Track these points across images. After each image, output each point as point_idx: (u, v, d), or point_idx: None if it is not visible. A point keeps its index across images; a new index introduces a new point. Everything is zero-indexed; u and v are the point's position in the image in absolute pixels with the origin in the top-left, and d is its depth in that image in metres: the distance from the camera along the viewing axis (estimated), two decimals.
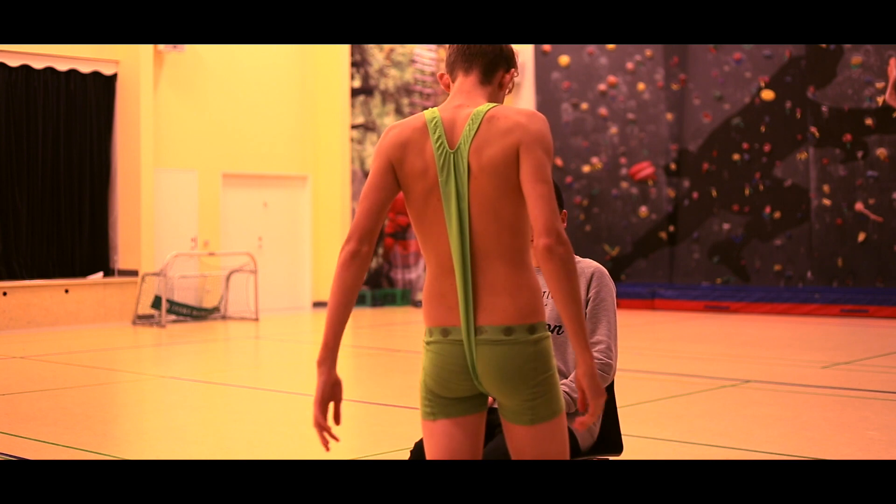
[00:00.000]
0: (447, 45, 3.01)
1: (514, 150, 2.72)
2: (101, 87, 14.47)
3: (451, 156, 2.79)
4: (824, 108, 15.78)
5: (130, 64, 14.47)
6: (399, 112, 17.65)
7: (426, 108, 17.33)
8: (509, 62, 2.95)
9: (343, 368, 11.53)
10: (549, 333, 2.85)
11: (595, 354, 3.59)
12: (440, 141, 2.80)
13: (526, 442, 2.79)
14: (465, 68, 2.91)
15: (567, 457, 2.86)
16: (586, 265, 3.74)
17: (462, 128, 2.80)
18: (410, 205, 2.86)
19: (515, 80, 3.02)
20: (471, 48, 2.92)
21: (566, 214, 3.75)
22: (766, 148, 16.14)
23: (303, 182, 16.90)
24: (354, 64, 16.96)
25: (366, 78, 17.15)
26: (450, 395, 2.84)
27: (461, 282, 2.78)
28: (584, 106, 17.80)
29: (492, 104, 2.83)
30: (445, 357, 2.80)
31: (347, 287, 2.80)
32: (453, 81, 2.93)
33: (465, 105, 2.85)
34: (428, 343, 2.85)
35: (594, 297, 3.67)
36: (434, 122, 2.83)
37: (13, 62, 13.65)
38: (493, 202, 2.76)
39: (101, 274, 14.32)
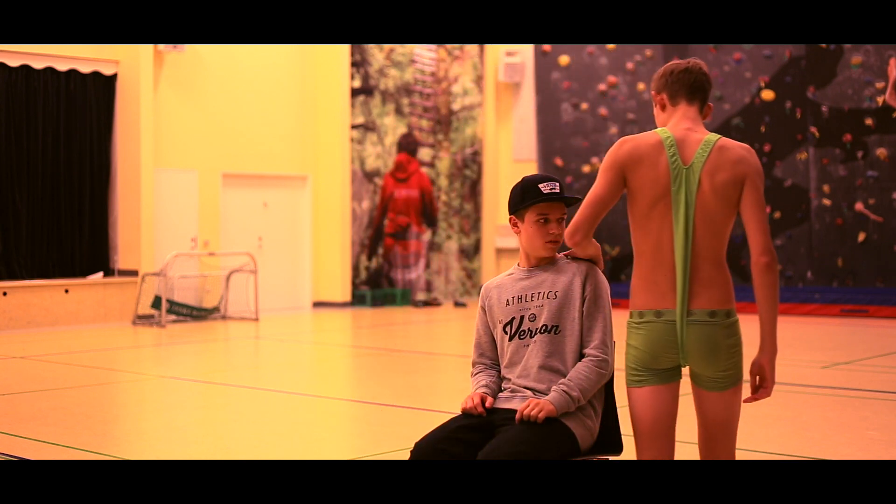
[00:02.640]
0: (664, 69, 3.57)
1: (741, 179, 3.39)
2: (101, 87, 14.47)
3: (685, 171, 3.40)
4: (824, 108, 15.77)
5: (130, 64, 14.46)
6: (399, 112, 17.64)
7: (425, 107, 17.18)
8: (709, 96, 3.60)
9: (343, 368, 11.53)
10: (738, 317, 3.46)
11: (591, 353, 3.64)
12: (675, 157, 3.41)
13: (719, 406, 3.46)
14: (688, 98, 3.51)
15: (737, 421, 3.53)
16: (579, 264, 3.75)
17: (694, 150, 3.42)
18: (635, 208, 3.45)
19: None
20: (695, 83, 3.51)
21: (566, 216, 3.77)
22: (766, 148, 16.13)
23: (303, 182, 16.90)
24: (354, 64, 16.95)
25: (366, 78, 17.14)
26: (657, 366, 3.44)
27: (681, 274, 3.38)
28: (584, 106, 17.79)
29: (717, 135, 3.46)
30: (659, 334, 3.41)
31: (587, 252, 3.67)
32: (672, 104, 3.53)
33: (693, 130, 3.46)
34: (639, 323, 3.45)
35: (590, 294, 3.68)
36: (669, 140, 3.43)
37: (13, 62, 13.64)
38: (713, 214, 3.39)
39: (101, 274, 14.31)
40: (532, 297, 3.71)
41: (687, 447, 3.71)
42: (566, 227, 3.69)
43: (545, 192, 3.68)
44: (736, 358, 3.44)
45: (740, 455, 5.70)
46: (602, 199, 3.44)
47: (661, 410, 3.46)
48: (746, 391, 3.49)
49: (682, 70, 3.51)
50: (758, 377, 3.40)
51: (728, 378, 3.43)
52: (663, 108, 3.55)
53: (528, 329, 3.69)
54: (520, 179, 3.80)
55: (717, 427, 3.49)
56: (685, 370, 3.52)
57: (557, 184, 3.72)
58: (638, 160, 3.41)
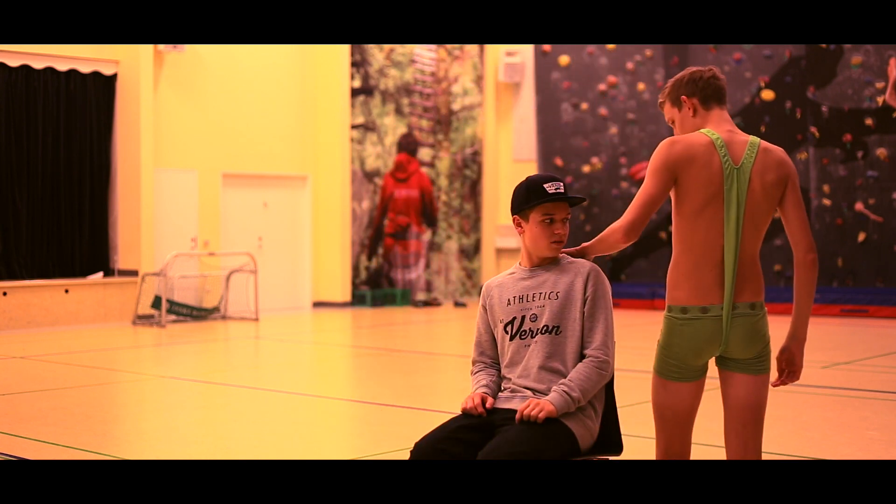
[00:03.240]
0: (692, 72, 3.71)
1: (785, 180, 3.58)
2: (101, 87, 14.46)
3: (736, 171, 3.53)
4: (824, 108, 15.77)
5: (130, 64, 14.46)
6: (399, 112, 17.63)
7: (425, 107, 17.12)
8: None
9: (343, 368, 11.51)
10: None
11: (592, 354, 3.63)
12: (726, 157, 3.54)
13: (751, 388, 3.58)
14: (719, 101, 3.68)
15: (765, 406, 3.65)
16: (581, 264, 3.74)
17: (741, 151, 3.57)
18: (685, 205, 3.55)
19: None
20: (722, 89, 3.68)
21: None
22: None
23: (303, 182, 16.90)
24: (354, 64, 16.96)
25: (366, 78, 17.14)
26: (697, 362, 3.59)
27: (731, 271, 3.52)
28: (584, 106, 17.79)
29: (757, 137, 3.62)
30: (706, 330, 3.54)
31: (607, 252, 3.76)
32: (704, 108, 3.66)
33: (734, 132, 3.62)
34: (683, 319, 3.56)
35: (591, 295, 3.67)
36: (719, 140, 3.56)
37: (13, 62, 13.64)
38: (760, 213, 3.56)
39: (101, 274, 14.31)
40: (533, 297, 3.71)
41: (696, 448, 3.73)
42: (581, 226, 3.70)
43: (550, 192, 3.67)
44: (769, 344, 3.62)
45: None
46: (655, 198, 3.54)
47: (694, 404, 3.66)
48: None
49: (712, 76, 3.67)
50: (786, 362, 3.63)
51: (762, 362, 3.59)
52: (694, 112, 3.67)
53: (530, 329, 3.69)
54: (524, 179, 3.79)
55: (749, 413, 3.59)
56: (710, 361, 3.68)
57: (562, 184, 3.71)
58: (691, 160, 3.53)
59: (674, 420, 3.65)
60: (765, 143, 3.61)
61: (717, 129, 3.61)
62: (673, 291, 3.60)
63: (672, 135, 3.71)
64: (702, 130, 3.60)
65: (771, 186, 3.56)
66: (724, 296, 3.53)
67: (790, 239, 3.61)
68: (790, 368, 3.63)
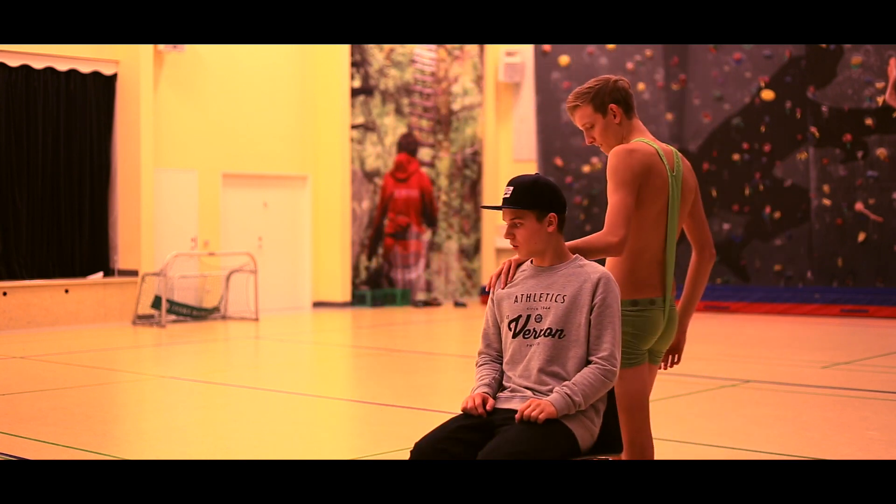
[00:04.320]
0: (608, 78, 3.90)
1: (696, 184, 3.94)
2: (101, 87, 14.46)
3: (673, 178, 3.81)
4: (824, 108, 15.77)
5: (130, 64, 14.46)
6: (399, 112, 17.63)
7: (425, 107, 17.12)
8: None
9: (343, 368, 11.50)
10: None
11: (599, 362, 3.58)
12: (666, 166, 3.80)
13: (652, 377, 3.92)
14: (634, 111, 3.90)
15: None
16: (591, 270, 3.68)
17: (672, 159, 3.84)
18: (642, 212, 3.76)
19: None
20: (633, 97, 3.90)
21: (564, 218, 3.76)
22: (766, 148, 16.13)
23: (303, 182, 16.90)
24: (354, 64, 16.95)
25: (366, 78, 17.14)
26: (645, 346, 3.85)
27: (671, 268, 3.84)
28: None
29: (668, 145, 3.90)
30: (656, 318, 3.82)
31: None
32: (627, 117, 3.88)
33: (657, 141, 3.86)
34: (634, 310, 3.80)
35: (600, 303, 3.61)
36: (658, 150, 3.81)
37: (13, 62, 13.64)
38: (684, 215, 3.90)
39: (101, 274, 14.31)
40: (541, 297, 3.68)
41: (685, 446, 3.74)
42: (522, 231, 3.68)
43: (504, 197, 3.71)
44: None
45: (740, 455, 5.72)
46: (633, 209, 3.72)
47: (648, 387, 3.88)
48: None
49: (629, 86, 3.91)
50: (674, 350, 4.03)
51: (662, 354, 3.97)
52: (619, 121, 3.88)
53: (533, 329, 3.67)
54: None
55: (646, 397, 3.92)
56: None
57: (513, 188, 3.67)
58: (649, 168, 3.74)
59: (633, 407, 3.81)
60: (679, 153, 3.92)
61: (645, 137, 3.84)
62: (624, 289, 3.77)
63: (584, 139, 4.01)
64: (640, 139, 3.81)
65: (691, 191, 3.90)
66: (664, 290, 3.83)
67: (694, 236, 3.97)
68: (678, 355, 4.04)
